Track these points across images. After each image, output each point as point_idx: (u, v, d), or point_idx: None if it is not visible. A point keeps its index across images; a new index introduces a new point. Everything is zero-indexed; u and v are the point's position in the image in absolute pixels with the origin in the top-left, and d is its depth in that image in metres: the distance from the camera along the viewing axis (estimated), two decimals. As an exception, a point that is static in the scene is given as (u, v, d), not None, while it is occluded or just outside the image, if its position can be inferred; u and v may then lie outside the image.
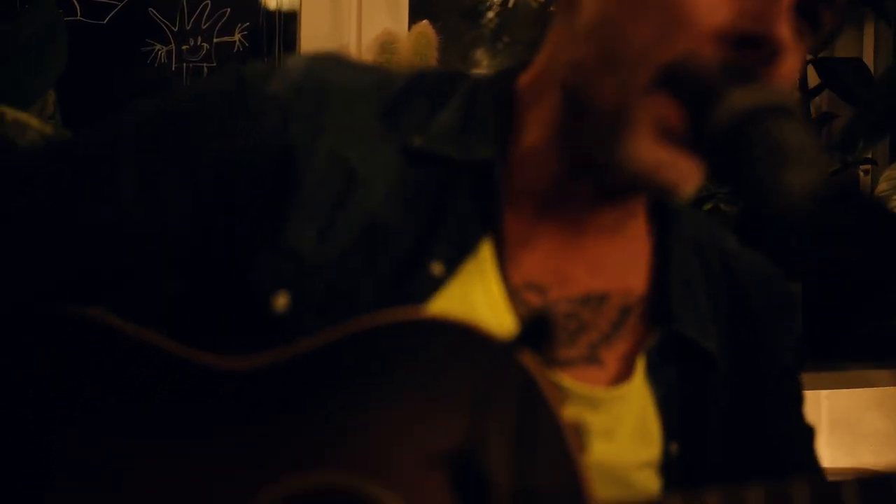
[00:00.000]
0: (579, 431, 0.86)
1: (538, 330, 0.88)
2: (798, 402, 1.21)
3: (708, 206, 2.26)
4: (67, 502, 0.88)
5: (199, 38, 2.25)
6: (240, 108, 1.02)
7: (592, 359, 1.08)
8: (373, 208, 1.02)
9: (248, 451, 0.88)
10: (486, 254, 1.04)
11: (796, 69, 0.87)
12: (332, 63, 1.09)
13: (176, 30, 2.28)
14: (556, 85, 1.03)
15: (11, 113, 1.56)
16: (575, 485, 0.82)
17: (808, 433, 1.12)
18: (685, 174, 0.94)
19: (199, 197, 1.00)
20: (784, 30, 0.86)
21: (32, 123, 1.60)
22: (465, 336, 0.88)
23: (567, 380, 1.00)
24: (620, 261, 1.12)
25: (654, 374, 1.07)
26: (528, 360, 0.86)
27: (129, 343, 0.95)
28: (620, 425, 1.05)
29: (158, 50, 2.22)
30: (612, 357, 1.08)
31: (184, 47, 2.29)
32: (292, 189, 1.02)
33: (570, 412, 0.89)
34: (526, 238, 1.08)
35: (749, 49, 0.85)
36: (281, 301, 0.98)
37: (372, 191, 1.03)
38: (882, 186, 2.41)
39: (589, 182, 1.06)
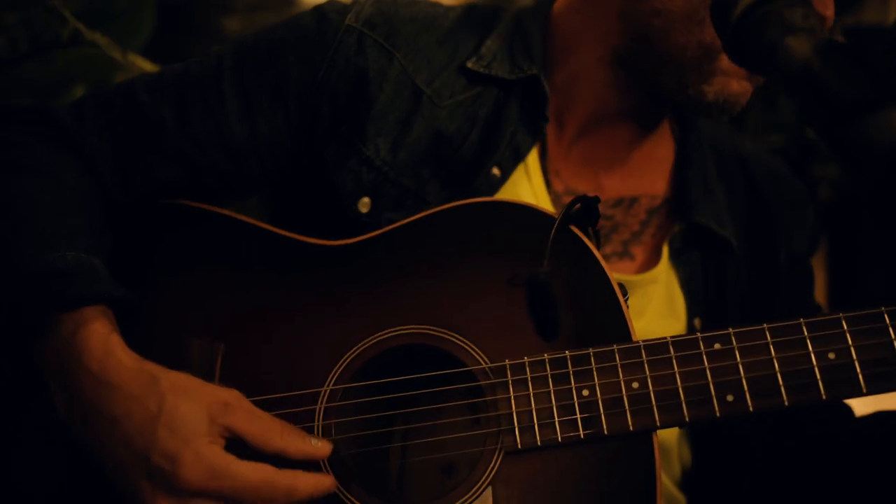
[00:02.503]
0: (622, 288, 1.04)
1: (586, 210, 1.06)
2: (808, 285, 1.33)
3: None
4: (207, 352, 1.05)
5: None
6: (321, 38, 1.17)
7: (624, 254, 1.21)
8: (437, 123, 1.16)
9: (348, 310, 1.02)
10: (533, 160, 1.19)
11: None
12: None
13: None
14: (613, 19, 1.15)
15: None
16: (621, 325, 0.99)
17: (817, 312, 1.27)
18: (748, 95, 1.10)
19: (290, 115, 1.15)
20: None
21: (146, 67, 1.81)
22: (527, 213, 1.04)
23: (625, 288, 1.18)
24: (648, 167, 1.26)
25: (677, 259, 1.21)
26: (580, 231, 1.04)
27: (239, 227, 1.11)
28: (650, 304, 1.18)
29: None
30: (640, 251, 1.21)
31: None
32: (368, 107, 1.15)
33: None
34: (566, 149, 1.22)
35: None
36: (364, 205, 1.17)
37: (436, 108, 1.17)
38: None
39: (632, 101, 1.18)
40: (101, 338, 0.94)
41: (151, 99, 1.15)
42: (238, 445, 0.92)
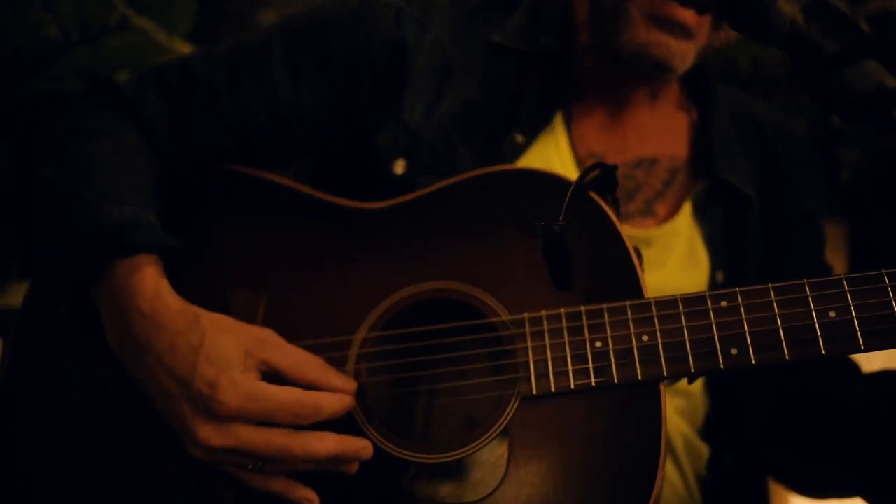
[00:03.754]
0: (638, 252, 1.10)
1: (605, 177, 1.13)
2: (819, 244, 1.40)
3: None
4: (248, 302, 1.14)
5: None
6: (363, 14, 1.27)
7: (648, 212, 1.29)
8: (467, 92, 1.26)
9: (380, 266, 1.11)
10: (558, 126, 1.27)
11: None
12: None
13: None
14: None
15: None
16: (634, 284, 1.06)
17: (826, 270, 1.33)
18: (673, 51, 1.17)
19: (333, 85, 1.25)
20: None
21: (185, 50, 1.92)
22: (547, 179, 1.12)
23: (627, 229, 1.25)
24: (665, 130, 1.34)
25: (701, 214, 1.29)
26: (598, 197, 1.11)
27: (281, 190, 1.20)
28: (671, 255, 1.26)
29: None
30: (664, 208, 1.29)
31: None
32: (405, 76, 1.25)
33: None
34: (588, 115, 1.31)
35: None
36: (399, 166, 1.25)
37: (466, 78, 1.26)
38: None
39: (616, 68, 1.27)
40: (152, 282, 1.03)
41: (205, 70, 1.25)
42: (271, 379, 1.00)
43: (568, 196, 0.99)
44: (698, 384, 1.29)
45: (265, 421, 0.97)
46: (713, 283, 1.27)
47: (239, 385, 0.96)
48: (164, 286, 1.04)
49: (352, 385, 1.02)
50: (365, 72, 1.26)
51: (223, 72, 1.25)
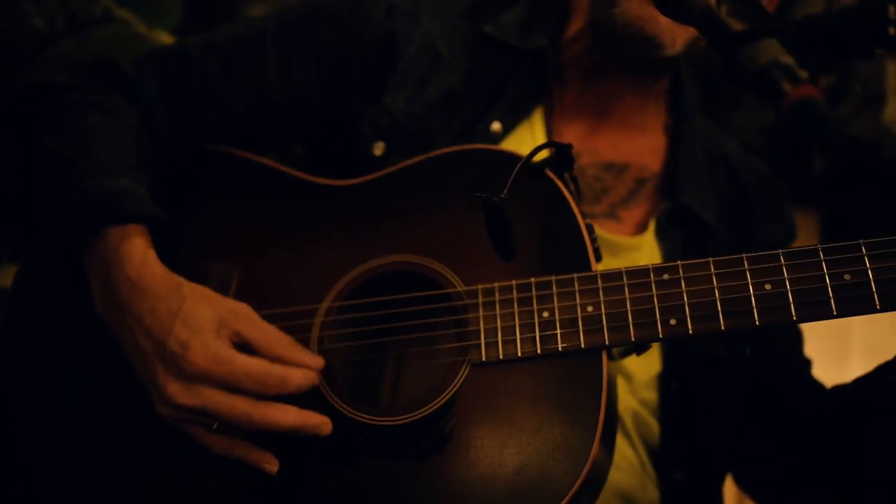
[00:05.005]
0: (590, 227, 1.15)
1: (561, 157, 1.17)
2: None
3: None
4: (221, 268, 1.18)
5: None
6: (354, 7, 1.33)
7: (612, 215, 1.35)
8: (452, 83, 1.32)
9: (346, 240, 1.17)
10: (537, 120, 1.34)
11: None
12: None
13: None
14: None
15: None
16: (584, 257, 1.10)
17: None
18: (664, 28, 1.21)
19: (323, 71, 1.32)
20: None
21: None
22: (504, 157, 1.17)
23: (594, 227, 1.30)
24: (639, 142, 1.40)
25: (662, 235, 1.34)
26: (553, 174, 1.16)
27: (259, 168, 1.27)
28: None
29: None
30: (628, 217, 1.35)
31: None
32: (393, 65, 1.31)
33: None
34: (569, 116, 1.37)
35: None
36: (378, 148, 1.31)
37: (453, 70, 1.33)
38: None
39: (605, 53, 1.32)
40: (140, 250, 1.09)
41: (202, 54, 1.32)
42: (243, 351, 1.05)
43: (515, 171, 1.04)
44: (654, 367, 1.34)
45: (231, 386, 1.02)
46: None
47: (209, 347, 1.01)
48: (152, 255, 1.10)
49: (318, 361, 1.07)
50: (355, 63, 1.32)
51: (219, 58, 1.31)
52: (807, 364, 1.45)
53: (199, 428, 1.04)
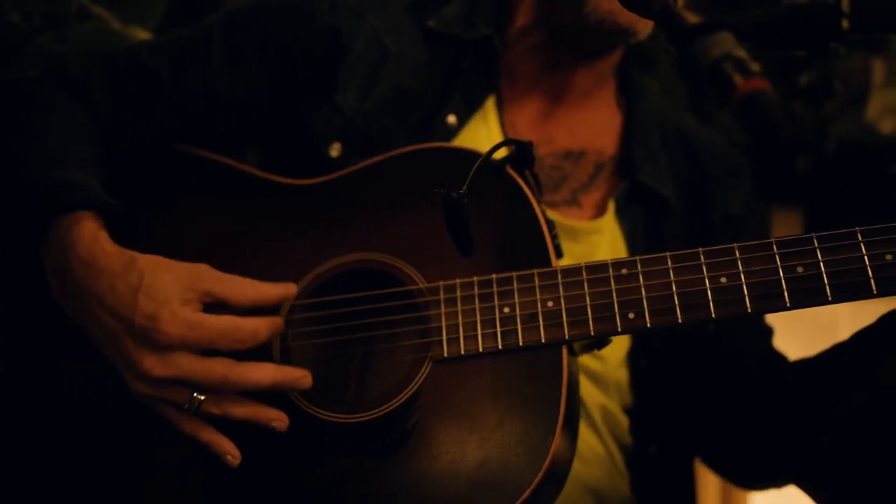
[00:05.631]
0: (550, 223, 1.16)
1: (521, 154, 1.18)
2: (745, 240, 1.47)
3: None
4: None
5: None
6: (297, 4, 1.33)
7: (573, 202, 1.37)
8: (402, 77, 1.33)
9: (309, 239, 1.18)
10: (490, 111, 1.35)
11: None
12: None
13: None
14: None
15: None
16: (544, 253, 1.12)
17: None
18: (636, 16, 1.23)
19: (270, 69, 1.32)
20: None
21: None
22: (465, 156, 1.18)
23: (554, 216, 1.31)
24: (595, 126, 1.41)
25: (622, 214, 1.36)
26: (515, 172, 1.17)
27: (220, 168, 1.28)
28: (595, 252, 1.32)
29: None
30: (589, 202, 1.37)
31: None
32: (339, 62, 1.31)
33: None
34: (519, 105, 1.38)
35: None
36: (335, 149, 1.31)
37: (401, 65, 1.33)
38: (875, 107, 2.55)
39: (564, 49, 1.34)
40: (90, 232, 1.10)
41: (150, 57, 1.33)
42: (211, 310, 1.06)
43: (474, 168, 1.05)
44: (616, 359, 1.35)
45: (206, 348, 1.03)
46: None
47: (178, 315, 1.02)
48: (103, 235, 1.11)
49: (290, 289, 1.09)
50: (300, 60, 1.32)
51: (166, 60, 1.32)
52: (768, 333, 1.46)
53: (170, 408, 1.05)
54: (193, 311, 1.03)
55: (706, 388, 1.39)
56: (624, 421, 1.36)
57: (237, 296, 1.06)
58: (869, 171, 2.71)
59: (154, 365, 1.01)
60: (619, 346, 1.34)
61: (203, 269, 1.07)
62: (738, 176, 1.49)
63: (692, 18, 0.85)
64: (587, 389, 1.32)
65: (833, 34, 0.87)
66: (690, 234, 1.41)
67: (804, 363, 1.31)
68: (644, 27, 1.26)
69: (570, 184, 1.37)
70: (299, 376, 1.06)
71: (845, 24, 0.86)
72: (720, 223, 1.43)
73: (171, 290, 1.03)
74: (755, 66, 0.84)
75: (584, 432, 1.32)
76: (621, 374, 1.35)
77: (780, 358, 1.43)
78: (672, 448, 1.40)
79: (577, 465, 1.28)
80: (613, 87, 1.44)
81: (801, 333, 1.57)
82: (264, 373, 1.03)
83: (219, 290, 1.05)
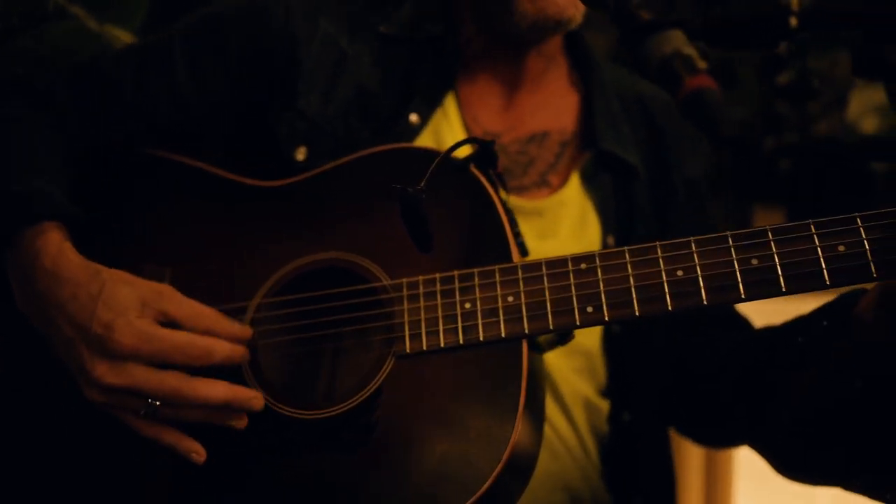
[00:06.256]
0: (513, 220, 1.17)
1: (484, 152, 1.20)
2: (702, 205, 1.48)
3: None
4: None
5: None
6: (252, 10, 1.36)
7: (542, 183, 1.39)
8: (361, 79, 1.35)
9: (277, 240, 1.19)
10: (450, 107, 1.37)
11: None
12: None
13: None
14: None
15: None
16: (506, 250, 1.13)
17: (711, 227, 1.34)
18: (563, 5, 1.25)
19: (231, 76, 1.34)
20: None
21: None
22: (426, 155, 1.19)
23: (521, 201, 1.33)
24: (554, 106, 1.44)
25: (590, 183, 1.38)
26: (478, 171, 1.18)
27: (190, 171, 1.29)
28: (562, 224, 1.35)
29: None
30: (557, 180, 1.39)
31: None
32: (297, 68, 1.34)
33: (522, 225, 1.20)
34: (478, 96, 1.40)
35: None
36: (300, 153, 1.33)
37: (359, 67, 1.35)
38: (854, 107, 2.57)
39: (509, 45, 1.36)
40: (55, 243, 1.12)
41: (114, 66, 1.35)
42: (169, 327, 1.07)
43: (433, 165, 1.06)
44: (596, 343, 1.37)
45: (159, 361, 1.04)
46: (604, 247, 1.36)
47: (134, 326, 1.03)
48: (67, 246, 1.13)
49: (246, 331, 1.10)
50: (260, 65, 1.34)
51: (129, 69, 1.34)
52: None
53: (129, 414, 1.06)
54: (149, 322, 1.05)
55: (672, 350, 1.41)
56: (603, 405, 1.38)
57: (193, 321, 1.07)
58: (850, 169, 2.73)
59: (106, 373, 1.03)
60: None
61: (165, 288, 1.09)
62: (695, 137, 1.51)
63: (644, 15, 0.87)
64: (567, 377, 1.34)
65: (782, 32, 0.89)
66: (656, 199, 1.44)
67: (769, 332, 1.33)
68: (576, 12, 1.29)
69: (537, 166, 1.39)
70: (251, 396, 1.07)
71: (794, 22, 0.88)
72: (682, 186, 1.46)
73: (129, 302, 1.05)
74: (702, 64, 0.86)
75: (560, 425, 1.34)
76: (599, 344, 1.37)
77: (746, 324, 1.44)
78: (646, 418, 1.41)
79: (549, 462, 1.31)
80: (566, 65, 1.47)
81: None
82: (216, 390, 1.05)
83: (176, 312, 1.07)
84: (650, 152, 1.45)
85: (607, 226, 1.37)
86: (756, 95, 2.89)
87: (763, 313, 1.36)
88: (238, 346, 1.08)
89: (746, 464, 2.56)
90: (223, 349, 1.06)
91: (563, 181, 1.38)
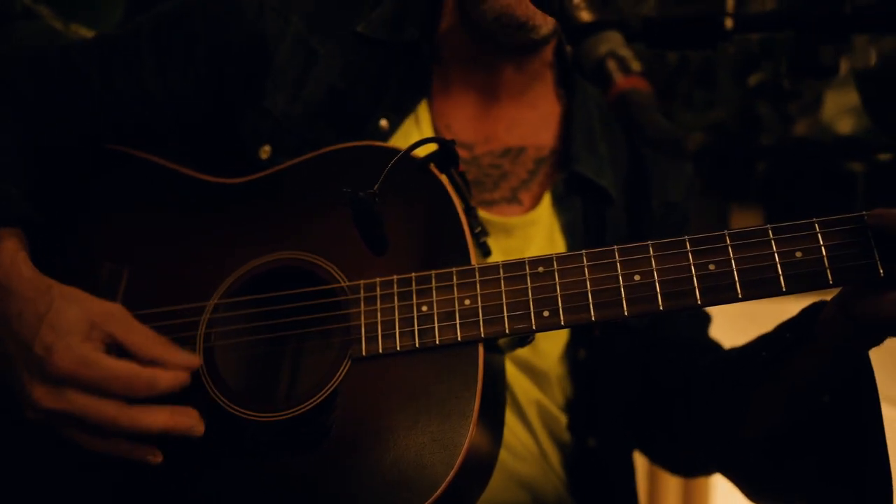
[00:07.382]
0: (475, 224, 1.16)
1: (445, 152, 1.19)
2: (680, 228, 1.46)
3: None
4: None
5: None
6: (224, 5, 1.33)
7: (513, 199, 1.37)
8: (331, 79, 1.33)
9: (235, 238, 1.18)
10: (423, 114, 1.35)
11: None
12: None
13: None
14: None
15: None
16: (464, 251, 1.12)
17: None
18: (534, 10, 1.23)
19: (198, 71, 1.32)
20: None
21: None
22: (387, 154, 1.18)
23: (490, 215, 1.32)
24: (533, 121, 1.42)
25: (560, 204, 1.36)
26: (437, 170, 1.17)
27: (151, 167, 1.28)
28: (530, 244, 1.33)
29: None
30: (528, 197, 1.37)
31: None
32: (267, 64, 1.31)
33: (490, 242, 1.19)
34: (453, 105, 1.38)
35: None
36: (265, 151, 1.31)
37: (330, 66, 1.33)
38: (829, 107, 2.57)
39: (485, 47, 1.34)
40: (9, 253, 1.10)
41: (81, 58, 1.31)
42: (115, 353, 1.05)
43: (388, 167, 1.05)
44: (556, 367, 1.36)
45: (98, 389, 1.02)
46: None
47: (74, 350, 1.01)
48: (22, 258, 1.10)
49: (193, 361, 1.08)
50: (229, 61, 1.32)
51: (96, 61, 1.31)
52: (706, 320, 1.48)
53: (74, 430, 1.04)
54: (93, 349, 1.03)
55: (641, 376, 1.41)
56: (562, 417, 1.37)
57: (141, 348, 1.06)
58: (828, 170, 2.74)
59: (43, 396, 1.01)
60: (558, 339, 1.35)
61: (117, 310, 1.07)
62: (677, 159, 1.50)
63: (585, 16, 0.87)
64: (522, 385, 1.34)
65: (718, 33, 0.89)
66: (631, 223, 1.42)
67: (735, 351, 1.32)
68: (544, 22, 1.27)
69: (509, 181, 1.37)
70: (192, 424, 1.06)
71: (729, 23, 0.88)
72: (660, 210, 1.45)
73: (74, 324, 1.03)
74: (636, 66, 0.85)
75: (517, 429, 1.34)
76: (561, 369, 1.36)
77: (715, 346, 1.44)
78: (611, 441, 1.41)
79: (509, 460, 1.30)
80: (551, 82, 1.44)
81: (743, 322, 1.57)
82: (156, 418, 1.03)
83: (123, 336, 1.05)
84: (628, 173, 1.43)
85: (574, 249, 1.32)
86: (734, 97, 2.91)
87: (759, 322, 1.36)
88: (181, 374, 1.06)
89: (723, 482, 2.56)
90: (166, 380, 1.04)
91: (536, 201, 1.36)
